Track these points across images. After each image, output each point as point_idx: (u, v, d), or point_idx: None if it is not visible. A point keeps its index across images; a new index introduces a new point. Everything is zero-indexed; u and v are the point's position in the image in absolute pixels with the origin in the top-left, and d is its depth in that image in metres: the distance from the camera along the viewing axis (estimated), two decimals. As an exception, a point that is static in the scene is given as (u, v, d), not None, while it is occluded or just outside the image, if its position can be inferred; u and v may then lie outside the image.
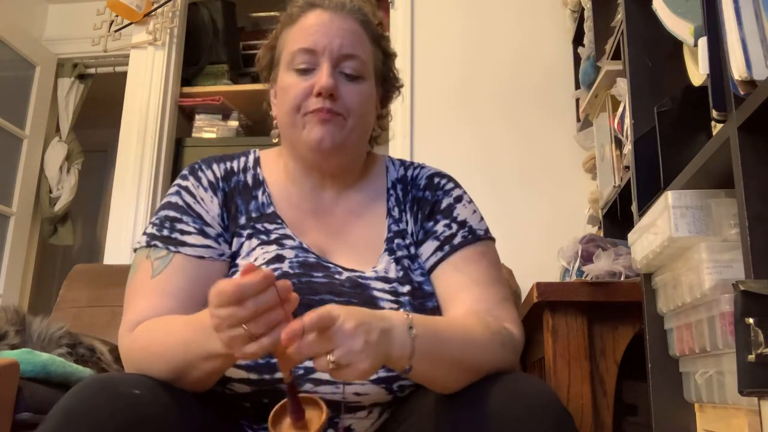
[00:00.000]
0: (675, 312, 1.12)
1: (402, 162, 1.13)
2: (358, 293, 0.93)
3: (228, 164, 1.07)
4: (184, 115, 3.03)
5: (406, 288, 0.96)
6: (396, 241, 1.02)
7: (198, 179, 1.03)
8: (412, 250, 1.03)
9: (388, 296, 0.95)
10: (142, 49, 2.88)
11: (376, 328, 0.73)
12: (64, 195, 3.14)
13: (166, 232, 0.98)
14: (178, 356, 0.82)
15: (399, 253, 1.01)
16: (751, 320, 0.72)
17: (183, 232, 0.98)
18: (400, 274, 0.98)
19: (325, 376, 0.88)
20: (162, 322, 0.90)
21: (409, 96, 2.48)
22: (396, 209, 1.06)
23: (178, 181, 1.05)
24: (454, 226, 1.02)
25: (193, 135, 2.97)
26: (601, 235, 1.90)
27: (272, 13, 3.12)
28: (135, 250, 1.00)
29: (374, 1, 1.10)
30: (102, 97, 3.24)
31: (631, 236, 1.24)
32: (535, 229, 2.27)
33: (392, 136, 2.45)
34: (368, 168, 1.11)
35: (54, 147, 3.17)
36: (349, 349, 0.70)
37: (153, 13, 2.86)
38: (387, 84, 1.11)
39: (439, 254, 1.01)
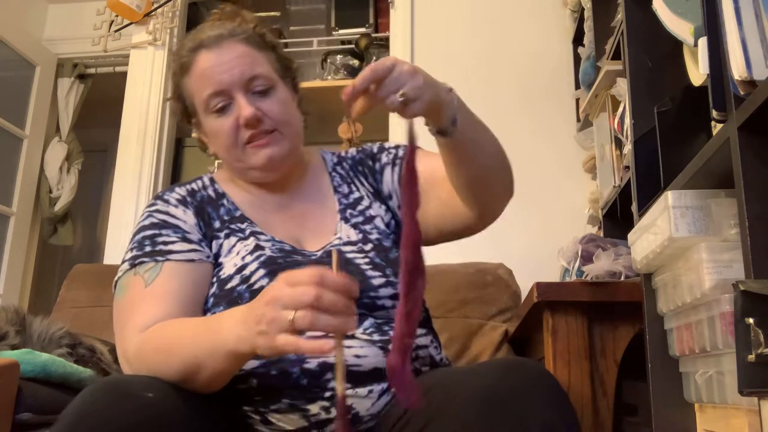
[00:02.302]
0: (675, 312, 1.12)
1: (333, 152, 1.25)
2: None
3: (188, 186, 1.15)
4: (184, 115, 3.02)
5: (369, 246, 1.06)
6: (348, 211, 1.12)
7: (166, 201, 1.09)
8: (368, 213, 1.12)
9: (359, 255, 1.03)
10: (142, 49, 2.89)
11: (425, 74, 0.84)
12: (64, 195, 3.14)
13: (148, 249, 1.00)
14: (189, 354, 0.83)
15: (354, 221, 1.10)
16: (751, 320, 0.72)
17: (166, 243, 1.01)
18: (360, 236, 1.07)
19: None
20: (174, 323, 0.91)
21: (409, 96, 2.48)
22: (344, 186, 1.16)
23: (146, 209, 1.09)
24: (393, 150, 1.18)
25: (193, 135, 2.95)
26: (601, 235, 1.90)
27: (272, 13, 3.11)
28: (116, 283, 1.01)
29: (240, 10, 1.16)
30: (102, 97, 3.23)
31: (631, 236, 1.24)
32: (535, 229, 2.27)
33: (392, 135, 2.45)
34: (307, 161, 1.19)
35: (54, 147, 3.17)
36: (414, 84, 0.81)
37: (153, 13, 2.86)
38: (290, 72, 1.17)
39: (398, 164, 1.15)
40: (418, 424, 0.84)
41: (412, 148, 0.75)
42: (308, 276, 0.71)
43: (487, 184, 1.02)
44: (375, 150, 1.20)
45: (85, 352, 1.45)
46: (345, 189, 1.16)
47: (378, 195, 1.16)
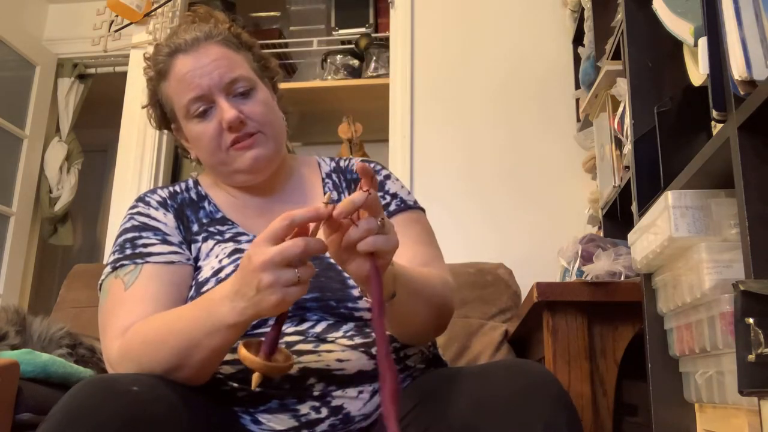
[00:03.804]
0: (675, 312, 1.12)
1: (332, 158, 1.23)
2: (318, 262, 0.98)
3: (170, 188, 1.14)
4: (184, 115, 3.02)
5: None
6: None
7: (147, 203, 1.09)
8: None
9: None
10: (142, 49, 2.88)
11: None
12: (64, 195, 3.14)
13: (129, 252, 1.01)
14: (183, 337, 0.84)
15: None
16: (751, 320, 0.72)
17: (146, 245, 1.01)
18: None
19: (308, 347, 0.91)
20: (160, 315, 0.91)
21: (409, 96, 2.48)
22: (335, 193, 1.15)
23: (127, 211, 1.10)
24: (388, 197, 1.12)
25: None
26: (601, 235, 1.90)
27: (272, 13, 3.11)
28: (100, 286, 1.02)
29: (213, 11, 1.14)
30: (102, 97, 3.23)
31: (631, 236, 1.24)
32: (535, 229, 2.27)
33: (392, 135, 2.45)
34: (291, 165, 1.18)
35: (54, 147, 3.17)
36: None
37: (153, 13, 2.86)
38: (268, 72, 1.16)
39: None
40: (420, 426, 0.84)
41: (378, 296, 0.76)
42: (281, 224, 0.75)
43: (414, 336, 1.00)
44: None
45: (86, 352, 1.45)
46: (335, 195, 1.15)
47: None
